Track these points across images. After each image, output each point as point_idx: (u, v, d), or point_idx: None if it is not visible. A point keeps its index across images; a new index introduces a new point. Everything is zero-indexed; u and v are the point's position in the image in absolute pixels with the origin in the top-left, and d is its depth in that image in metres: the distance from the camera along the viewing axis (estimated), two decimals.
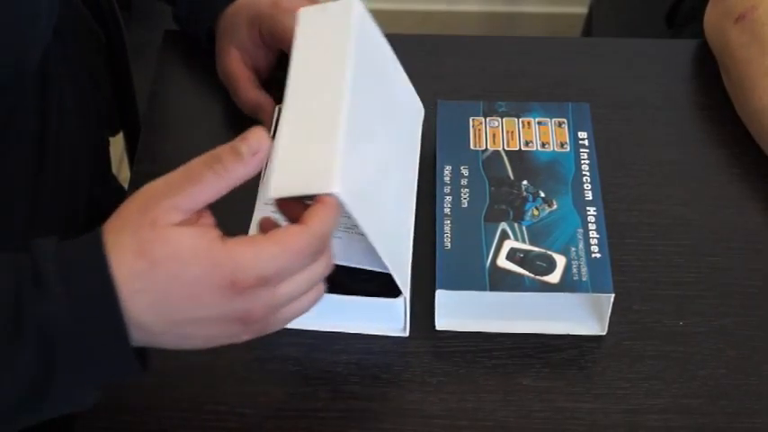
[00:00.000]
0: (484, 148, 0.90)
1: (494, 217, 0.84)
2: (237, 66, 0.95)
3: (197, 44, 1.00)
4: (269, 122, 0.91)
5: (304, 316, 0.80)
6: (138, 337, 0.65)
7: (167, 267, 0.64)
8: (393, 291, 0.79)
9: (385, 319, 0.81)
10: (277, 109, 0.91)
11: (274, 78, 0.96)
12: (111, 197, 1.00)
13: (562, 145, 0.90)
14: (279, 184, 0.69)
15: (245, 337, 0.68)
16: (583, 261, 0.81)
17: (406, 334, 0.81)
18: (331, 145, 0.70)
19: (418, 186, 0.88)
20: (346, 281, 0.80)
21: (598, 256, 0.81)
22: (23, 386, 0.64)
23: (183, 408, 0.77)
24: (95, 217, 0.95)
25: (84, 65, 0.97)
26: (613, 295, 0.79)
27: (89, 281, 0.63)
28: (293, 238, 0.66)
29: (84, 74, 0.97)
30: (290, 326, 0.80)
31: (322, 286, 0.70)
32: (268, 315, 0.67)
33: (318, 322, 0.81)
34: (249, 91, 0.94)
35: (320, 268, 0.69)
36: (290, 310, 0.69)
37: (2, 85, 0.80)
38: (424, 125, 0.92)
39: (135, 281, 0.63)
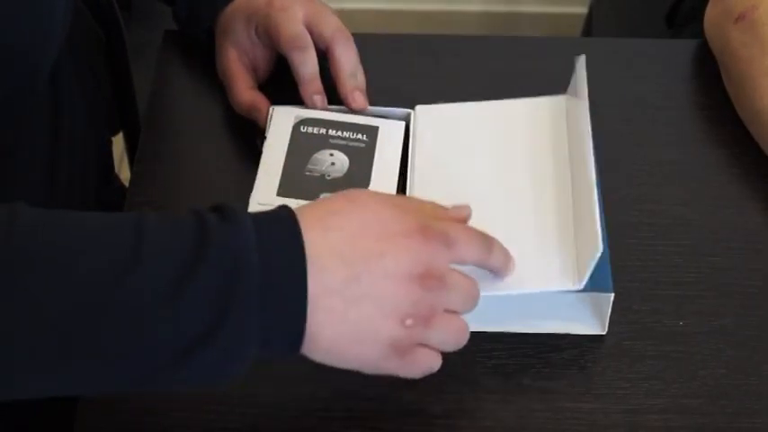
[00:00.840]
0: None
1: None
2: (234, 65, 0.95)
3: (197, 44, 1.00)
4: (263, 122, 0.91)
5: None
6: (311, 291, 0.64)
7: (365, 202, 0.67)
8: None
9: None
10: (272, 109, 0.91)
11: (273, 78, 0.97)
12: (113, 197, 1.01)
13: None
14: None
15: (409, 333, 0.68)
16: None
17: None
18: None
19: None
20: None
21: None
22: (198, 322, 0.62)
23: (183, 408, 0.77)
24: None
25: (87, 64, 0.97)
26: (613, 295, 0.79)
27: (277, 220, 0.65)
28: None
29: (89, 73, 0.97)
30: None
31: (465, 324, 0.72)
32: (442, 291, 0.68)
33: None
34: (244, 91, 0.94)
35: (470, 282, 0.71)
36: (447, 322, 0.70)
37: (18, 86, 0.80)
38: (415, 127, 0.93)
39: (331, 217, 0.66)
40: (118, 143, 1.13)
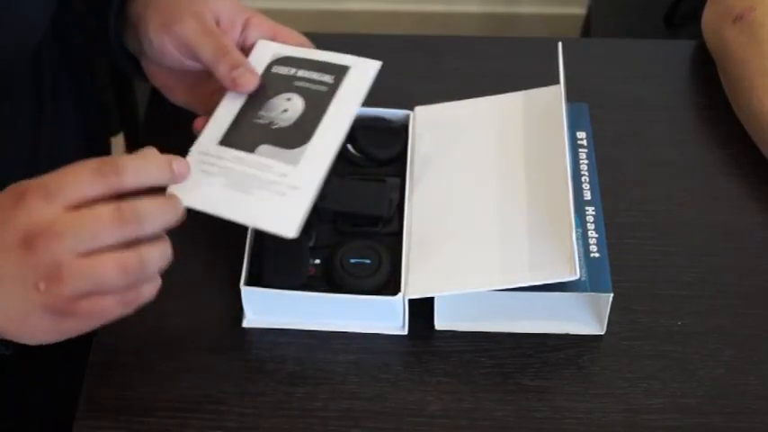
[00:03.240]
0: None
1: None
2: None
3: None
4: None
5: (302, 315, 0.81)
6: None
7: None
8: (391, 289, 0.80)
9: (384, 317, 0.81)
10: (258, 43, 0.86)
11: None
12: None
13: None
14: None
15: (50, 295, 0.65)
16: (582, 261, 0.81)
17: (405, 332, 0.81)
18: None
19: None
20: (344, 279, 0.80)
21: (597, 255, 0.81)
22: None
23: (183, 408, 0.77)
24: None
25: (85, 65, 0.97)
26: (612, 295, 0.79)
27: None
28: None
29: (89, 74, 0.97)
30: (289, 326, 0.81)
31: (103, 258, 0.65)
32: (51, 243, 0.64)
33: (317, 322, 0.81)
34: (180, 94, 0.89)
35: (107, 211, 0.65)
36: (80, 267, 0.65)
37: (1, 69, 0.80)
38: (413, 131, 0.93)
39: None
40: (118, 143, 1.14)
